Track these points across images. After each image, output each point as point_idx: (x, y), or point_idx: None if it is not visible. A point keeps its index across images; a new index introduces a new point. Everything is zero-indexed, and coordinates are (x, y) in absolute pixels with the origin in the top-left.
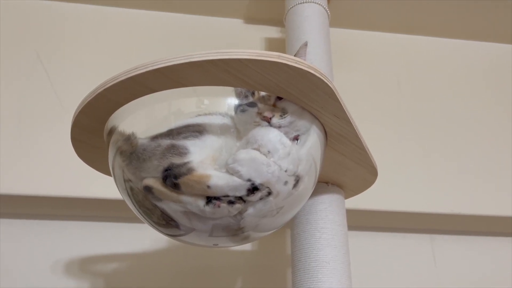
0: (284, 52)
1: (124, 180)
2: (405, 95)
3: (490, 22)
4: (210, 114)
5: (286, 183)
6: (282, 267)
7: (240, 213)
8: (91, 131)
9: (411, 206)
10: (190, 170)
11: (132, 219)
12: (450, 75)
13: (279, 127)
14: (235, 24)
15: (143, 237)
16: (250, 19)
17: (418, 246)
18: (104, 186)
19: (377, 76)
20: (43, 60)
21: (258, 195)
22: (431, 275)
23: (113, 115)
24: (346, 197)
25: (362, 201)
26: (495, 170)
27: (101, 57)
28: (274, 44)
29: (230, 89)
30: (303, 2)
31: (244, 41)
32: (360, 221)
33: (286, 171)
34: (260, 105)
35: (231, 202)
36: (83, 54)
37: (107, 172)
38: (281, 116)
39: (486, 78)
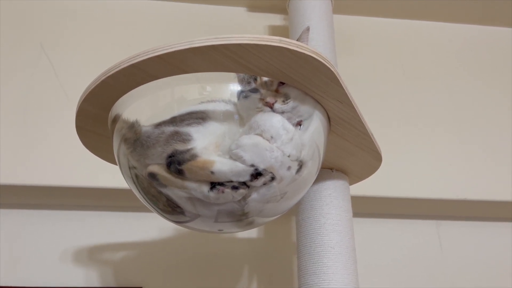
0: None
1: (129, 168)
2: (409, 80)
3: (494, 6)
4: (213, 101)
5: (289, 168)
6: (287, 254)
7: (244, 198)
8: (96, 119)
9: (417, 192)
10: (193, 156)
11: (138, 208)
12: (454, 60)
13: (281, 112)
14: (239, 12)
15: (150, 226)
16: (254, 7)
17: (424, 232)
18: (111, 176)
19: (381, 62)
20: (48, 51)
21: (261, 180)
22: (438, 261)
23: (116, 103)
24: (350, 183)
25: (368, 188)
26: (501, 156)
27: (105, 47)
28: (278, 32)
29: (233, 75)
30: None
31: (248, 29)
32: (366, 208)
33: (289, 156)
34: (262, 91)
35: (235, 188)
36: (87, 44)
37: (112, 161)
38: (283, 101)
39: (492, 62)
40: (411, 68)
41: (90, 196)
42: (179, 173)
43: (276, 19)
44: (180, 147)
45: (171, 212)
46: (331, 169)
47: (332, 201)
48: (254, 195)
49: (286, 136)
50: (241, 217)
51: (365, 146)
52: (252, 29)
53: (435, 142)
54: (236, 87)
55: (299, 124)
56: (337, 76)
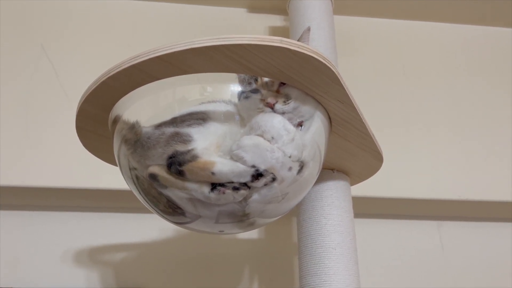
0: None
1: (130, 169)
2: (410, 80)
3: (494, 6)
4: (213, 101)
5: (290, 169)
6: (288, 254)
7: (245, 199)
8: (96, 119)
9: (418, 192)
10: (194, 157)
11: (139, 209)
12: (455, 60)
13: (282, 113)
14: (239, 13)
15: (151, 227)
16: (254, 8)
17: (425, 233)
18: (112, 177)
19: (382, 62)
20: (48, 52)
21: (262, 181)
22: (439, 261)
23: (117, 103)
24: (352, 184)
25: (369, 188)
26: (502, 156)
27: (105, 48)
28: (278, 33)
29: (233, 76)
30: None
31: (248, 30)
32: (367, 209)
33: (290, 157)
34: (263, 91)
35: (235, 189)
36: (88, 45)
37: (112, 162)
38: (284, 102)
39: (492, 62)
40: (411, 68)
41: (90, 197)
42: (180, 174)
43: (276, 20)
44: (180, 148)
45: (171, 213)
46: (332, 169)
47: (333, 201)
48: (255, 196)
49: (287, 137)
50: (242, 218)
51: (366, 146)
52: (252, 30)
53: (435, 142)
54: (236, 88)
55: (300, 124)
56: (338, 76)
